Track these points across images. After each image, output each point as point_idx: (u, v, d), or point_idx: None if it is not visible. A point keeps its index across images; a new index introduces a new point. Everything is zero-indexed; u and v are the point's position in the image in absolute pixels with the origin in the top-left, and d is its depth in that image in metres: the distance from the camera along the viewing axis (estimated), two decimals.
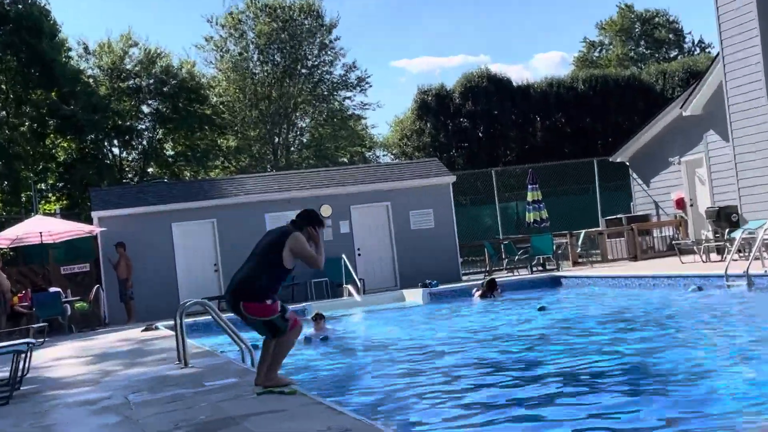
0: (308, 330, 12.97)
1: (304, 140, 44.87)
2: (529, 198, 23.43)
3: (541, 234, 22.36)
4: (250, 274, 7.15)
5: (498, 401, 7.10)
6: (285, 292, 20.31)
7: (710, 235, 19.06)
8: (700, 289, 14.26)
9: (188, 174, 40.98)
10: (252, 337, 13.87)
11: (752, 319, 10.77)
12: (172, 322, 10.31)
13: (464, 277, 22.34)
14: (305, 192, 21.39)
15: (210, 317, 12.01)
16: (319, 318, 13.03)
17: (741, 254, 16.75)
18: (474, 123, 40.60)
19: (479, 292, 17.40)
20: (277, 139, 42.85)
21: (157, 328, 15.85)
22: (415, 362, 9.91)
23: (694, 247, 18.28)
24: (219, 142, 42.89)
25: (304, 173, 23.40)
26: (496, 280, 17.81)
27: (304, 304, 18.25)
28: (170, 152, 41.71)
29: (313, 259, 7.41)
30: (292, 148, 44.60)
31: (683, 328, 10.66)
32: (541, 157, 37.42)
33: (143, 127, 40.42)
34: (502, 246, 23.14)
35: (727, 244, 17.02)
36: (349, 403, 7.55)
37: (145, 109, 40.22)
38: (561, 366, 8.51)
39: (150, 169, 40.84)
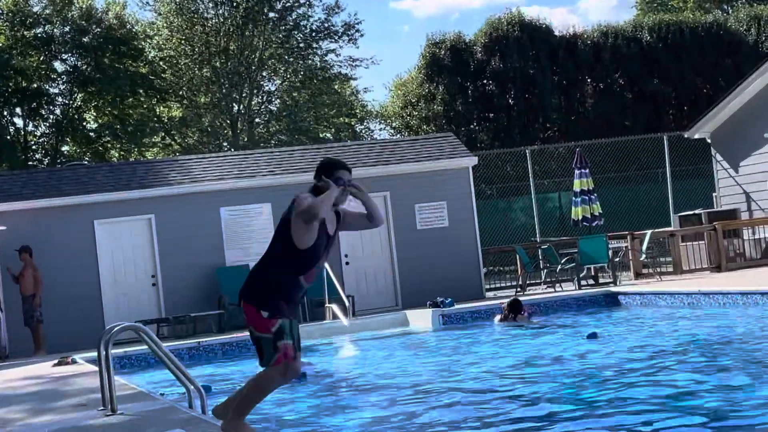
0: None
1: (274, 109, 44.87)
2: (577, 187, 23.45)
3: (593, 236, 22.37)
4: (258, 264, 7.11)
5: None
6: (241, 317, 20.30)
7: None
8: None
9: (117, 154, 40.99)
10: (206, 374, 13.93)
11: None
12: (94, 354, 10.26)
13: (489, 294, 22.36)
14: (274, 179, 21.38)
15: (146, 347, 12.00)
16: None
17: None
18: (502, 86, 40.61)
19: (500, 316, 17.49)
20: (236, 108, 42.85)
21: (74, 362, 15.81)
22: (418, 410, 9.94)
23: None
24: (158, 111, 42.86)
25: (273, 153, 23.40)
26: (521, 300, 17.88)
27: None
28: (92, 125, 41.67)
29: (317, 207, 6.84)
30: (257, 120, 44.58)
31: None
32: (593, 132, 37.44)
33: (56, 91, 40.40)
34: (539, 252, 23.14)
35: None
36: None
37: (59, 66, 40.21)
38: (610, 414, 8.53)
39: (65, 148, 40.85)
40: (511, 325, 17.00)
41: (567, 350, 13.59)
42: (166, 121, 43.34)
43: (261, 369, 7.06)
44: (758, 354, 11.50)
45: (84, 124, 41.29)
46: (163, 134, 43.24)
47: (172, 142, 43.44)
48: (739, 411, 8.39)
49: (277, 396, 11.79)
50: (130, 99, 39.96)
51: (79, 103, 40.44)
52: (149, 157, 40.59)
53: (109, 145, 40.87)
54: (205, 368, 15.07)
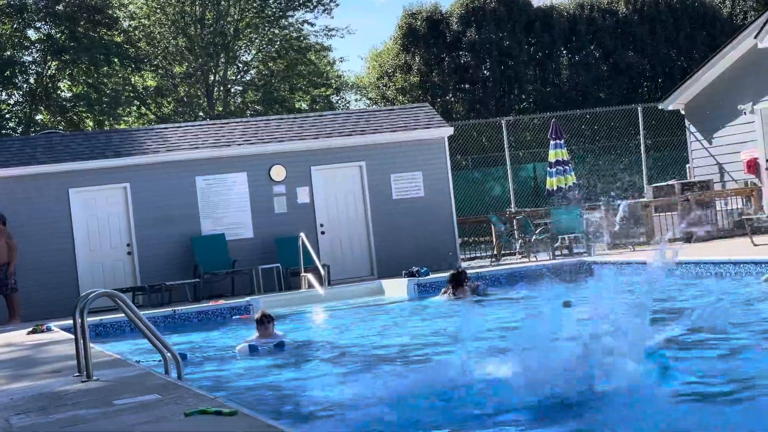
0: (252, 336, 12.98)
1: (249, 79, 44.69)
2: (552, 158, 23.50)
3: (567, 206, 22.44)
4: None
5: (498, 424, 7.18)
6: (224, 283, 20.34)
7: None
8: None
9: (91, 123, 40.71)
10: (182, 341, 13.94)
11: None
12: (69, 322, 10.23)
13: (464, 264, 22.41)
14: (250, 148, 21.32)
15: (121, 316, 11.98)
16: (266, 320, 12.97)
17: None
18: (478, 57, 40.56)
19: (448, 294, 16.79)
20: (212, 78, 42.64)
21: (49, 330, 15.77)
22: (394, 376, 9.96)
23: None
24: (133, 80, 42.57)
25: (248, 123, 23.32)
26: (467, 271, 17.12)
27: (248, 298, 18.26)
28: (67, 94, 41.36)
29: None
30: (233, 90, 44.40)
31: (750, 332, 10.74)
32: (568, 103, 37.49)
33: (29, 59, 40.04)
34: (514, 222, 23.21)
35: None
36: (308, 426, 7.55)
37: (32, 35, 39.83)
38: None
39: (39, 117, 40.53)
40: (454, 302, 16.36)
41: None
42: (141, 90, 43.08)
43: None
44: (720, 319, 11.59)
45: (58, 93, 40.99)
46: (138, 104, 42.97)
47: (148, 112, 43.20)
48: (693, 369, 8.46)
49: (254, 365, 11.82)
50: (105, 68, 39.65)
51: (53, 72, 40.13)
52: (124, 127, 40.35)
53: (84, 114, 40.57)
54: (180, 336, 15.06)
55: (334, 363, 11.73)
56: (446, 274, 19.32)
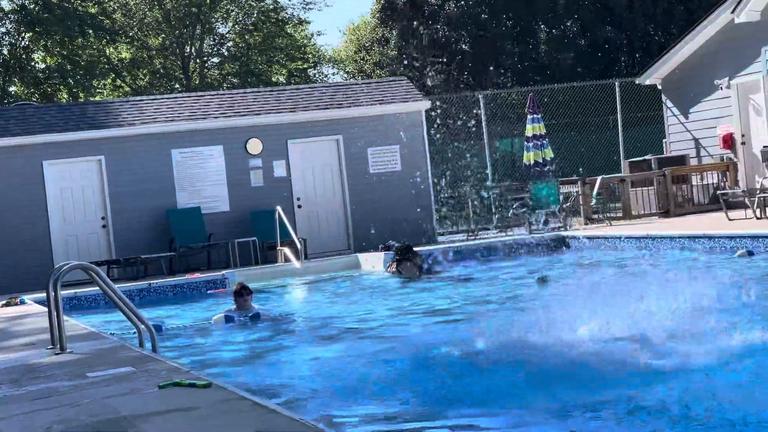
0: (229, 307, 12.98)
1: (226, 52, 44.45)
2: (529, 132, 23.50)
3: (544, 181, 22.48)
4: None
5: (463, 395, 7.28)
6: (199, 257, 20.29)
7: (767, 183, 19.30)
8: (750, 253, 14.47)
9: (66, 95, 40.44)
10: (156, 315, 13.91)
11: None
12: (43, 295, 10.20)
13: (441, 238, 22.45)
14: (226, 121, 21.24)
15: (95, 289, 11.94)
16: (244, 293, 12.96)
17: None
18: (456, 31, 40.48)
19: (391, 267, 16.36)
20: (188, 50, 42.39)
21: (23, 303, 15.72)
22: (368, 348, 10.02)
23: (746, 199, 18.52)
24: (108, 52, 42.26)
25: (224, 95, 23.23)
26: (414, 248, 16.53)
27: (224, 271, 18.23)
28: (40, 65, 41.03)
29: None
30: (209, 62, 44.17)
31: (723, 306, 10.79)
32: (546, 78, 37.47)
33: (2, 30, 39.68)
34: (491, 196, 23.23)
35: None
36: (283, 398, 7.59)
37: (6, 5, 39.47)
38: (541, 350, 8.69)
39: (12, 88, 40.20)
40: (400, 277, 16.01)
41: (514, 290, 13.71)
42: (116, 62, 42.79)
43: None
44: (690, 294, 11.67)
45: (32, 64, 40.65)
46: (113, 76, 42.69)
47: (123, 84, 42.95)
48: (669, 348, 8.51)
49: (229, 337, 11.82)
50: (80, 40, 39.33)
51: (26, 43, 39.79)
52: (99, 99, 40.10)
53: (58, 86, 40.27)
54: (155, 309, 15.03)
55: (309, 335, 11.75)
56: (428, 248, 19.38)
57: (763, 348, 8.21)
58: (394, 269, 16.07)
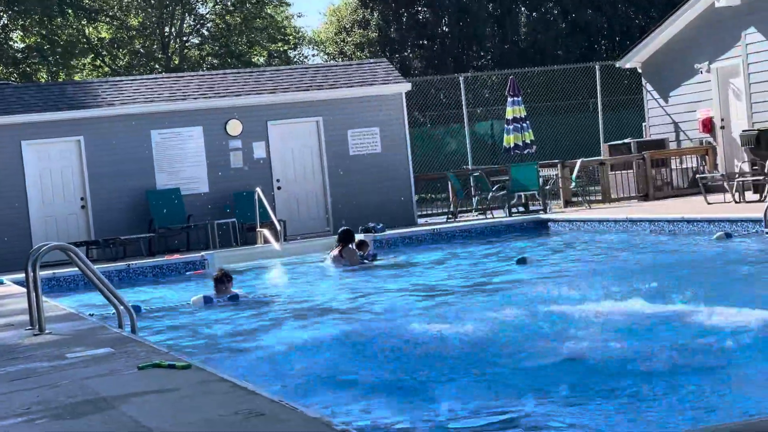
0: (209, 288, 12.98)
1: (206, 32, 44.26)
2: (509, 115, 23.53)
3: (524, 164, 22.51)
4: None
5: (442, 378, 7.35)
6: (179, 238, 20.25)
7: (746, 168, 19.38)
8: (728, 236, 14.56)
9: (45, 75, 40.20)
10: (135, 298, 13.87)
11: None
12: (22, 275, 10.16)
13: (421, 220, 22.47)
14: (206, 102, 21.16)
15: (74, 269, 11.90)
16: (225, 279, 12.95)
17: None
18: (437, 14, 40.41)
19: (334, 252, 15.91)
20: (168, 30, 42.18)
21: (1, 283, 15.66)
22: (348, 331, 10.05)
23: (725, 183, 18.61)
24: (88, 32, 42.01)
25: (204, 76, 23.14)
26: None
27: (203, 252, 18.19)
28: (19, 45, 40.75)
29: None
30: (189, 42, 43.98)
31: (699, 288, 10.87)
32: (526, 61, 37.51)
33: None
34: (471, 179, 23.25)
35: None
36: (262, 379, 7.62)
37: None
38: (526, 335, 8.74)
39: None
40: (340, 264, 15.62)
41: (499, 275, 13.75)
42: (96, 42, 42.55)
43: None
44: (667, 277, 11.76)
45: (10, 44, 40.37)
46: (93, 56, 42.46)
47: (103, 65, 42.72)
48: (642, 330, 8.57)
49: (209, 318, 11.82)
50: (59, 20, 39.09)
51: (5, 23, 39.50)
52: (79, 79, 39.89)
53: (37, 66, 40.03)
54: (134, 290, 14.99)
55: (287, 316, 11.77)
56: (407, 230, 19.43)
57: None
58: (336, 253, 15.71)
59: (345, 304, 12.20)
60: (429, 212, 24.40)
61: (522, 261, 14.52)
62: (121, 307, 9.41)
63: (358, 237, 16.75)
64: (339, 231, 16.29)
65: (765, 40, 19.90)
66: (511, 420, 6.27)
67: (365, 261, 15.83)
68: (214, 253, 18.05)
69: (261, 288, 14.95)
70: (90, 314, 11.10)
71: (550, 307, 10.43)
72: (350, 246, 15.72)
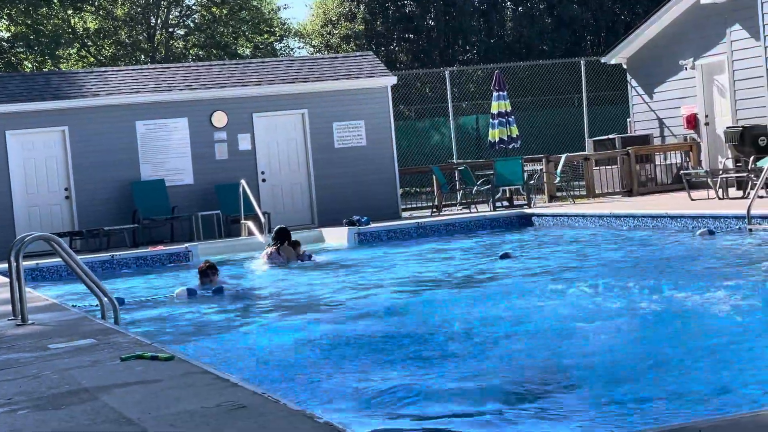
0: (192, 279, 12.96)
1: (192, 23, 44.14)
2: (494, 109, 23.55)
3: (509, 158, 22.53)
4: None
5: (425, 373, 7.39)
6: (163, 229, 20.21)
7: (730, 164, 19.44)
8: (711, 233, 14.61)
9: (30, 65, 40.03)
10: (119, 288, 13.85)
11: None
12: (4, 265, 10.13)
13: (405, 214, 22.48)
14: (191, 93, 21.10)
15: (58, 260, 11.86)
16: (210, 272, 12.94)
17: None
18: (423, 7, 40.38)
19: (269, 251, 15.64)
20: (154, 21, 42.03)
21: None
22: (330, 322, 10.07)
23: (708, 180, 18.67)
24: (73, 22, 41.83)
25: (190, 68, 23.08)
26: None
27: (187, 244, 18.18)
28: (4, 34, 40.57)
29: None
30: (175, 33, 43.85)
31: (679, 284, 10.92)
32: (512, 55, 37.54)
33: None
34: (456, 173, 23.27)
35: (752, 175, 17.42)
36: (245, 372, 7.63)
37: None
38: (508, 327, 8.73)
39: None
40: (276, 263, 15.42)
41: (482, 271, 13.76)
42: (81, 32, 42.36)
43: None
44: (650, 272, 11.81)
45: None
46: (78, 46, 42.27)
47: (88, 55, 42.54)
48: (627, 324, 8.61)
49: (192, 310, 11.80)
50: (44, 9, 38.91)
51: None
52: (64, 69, 39.72)
53: (22, 56, 39.85)
54: (121, 284, 14.96)
55: (271, 309, 11.76)
56: (392, 224, 19.45)
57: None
58: (273, 251, 15.41)
59: (329, 297, 12.20)
60: (413, 206, 24.40)
61: (505, 256, 14.54)
62: (105, 299, 9.40)
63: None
64: (275, 229, 16.06)
65: (750, 37, 19.96)
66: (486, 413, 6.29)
67: (301, 260, 15.63)
68: (198, 245, 18.03)
69: (245, 280, 14.93)
70: (73, 305, 11.07)
71: (533, 302, 10.47)
72: (286, 245, 15.52)
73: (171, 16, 43.02)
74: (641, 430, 5.69)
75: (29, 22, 38.94)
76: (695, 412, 5.83)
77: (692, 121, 22.11)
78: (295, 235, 19.50)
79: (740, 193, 17.99)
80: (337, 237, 18.89)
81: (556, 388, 6.75)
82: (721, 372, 6.81)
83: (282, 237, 15.69)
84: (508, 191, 22.29)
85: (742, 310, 8.95)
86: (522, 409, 6.31)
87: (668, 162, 22.49)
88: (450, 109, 27.34)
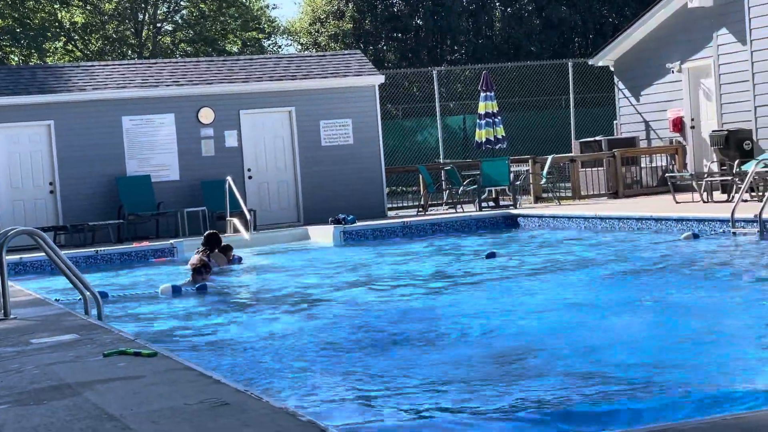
0: (186, 281, 12.95)
1: (180, 19, 44.06)
2: (481, 110, 23.57)
3: (495, 158, 22.55)
4: None
5: (409, 371, 7.37)
6: (148, 225, 20.16)
7: (715, 168, 19.50)
8: (695, 236, 14.65)
9: (16, 58, 39.90)
10: (103, 282, 13.81)
11: (760, 278, 11.11)
12: None
13: (391, 213, 22.48)
14: (178, 89, 21.06)
15: (41, 254, 11.81)
16: (204, 270, 12.90)
17: (753, 194, 17.20)
18: (411, 7, 40.40)
19: (199, 255, 14.50)
20: (141, 16, 41.93)
21: None
22: (314, 320, 10.09)
23: (693, 183, 18.72)
24: (60, 16, 41.72)
25: (177, 63, 23.02)
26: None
27: (172, 240, 18.14)
28: None
29: None
30: (163, 29, 43.76)
31: (658, 287, 10.96)
32: (500, 56, 37.59)
33: None
34: (442, 172, 23.27)
35: (736, 179, 17.47)
36: (228, 369, 7.63)
37: None
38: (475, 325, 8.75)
39: None
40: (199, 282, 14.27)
41: (469, 269, 13.77)
42: (68, 26, 42.25)
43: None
44: (631, 274, 11.84)
45: None
46: (65, 40, 42.14)
47: (75, 49, 42.43)
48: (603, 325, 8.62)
49: (176, 307, 11.78)
50: (30, 2, 38.79)
51: None
52: (50, 63, 39.59)
53: (8, 48, 39.71)
54: (105, 279, 14.91)
55: (255, 307, 11.76)
56: (377, 222, 19.44)
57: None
58: (203, 256, 14.40)
59: (313, 294, 12.20)
60: (399, 205, 24.41)
61: (491, 255, 14.56)
62: (88, 294, 9.37)
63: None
64: (205, 234, 15.65)
65: (736, 41, 20.02)
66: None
67: (231, 264, 15.36)
68: (183, 241, 18.00)
69: (230, 276, 14.91)
70: (56, 300, 11.04)
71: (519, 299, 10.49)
72: (217, 251, 15.14)
73: (159, 12, 42.93)
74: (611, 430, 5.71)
75: (16, 15, 38.81)
76: (662, 417, 5.85)
77: (678, 124, 22.18)
78: (279, 232, 19.56)
79: (725, 197, 18.04)
80: (322, 235, 18.89)
81: (535, 383, 6.76)
82: (690, 375, 6.84)
83: (212, 243, 15.10)
84: (494, 192, 22.31)
85: (719, 311, 9.00)
86: (499, 404, 6.31)
87: (654, 165, 22.55)
88: (437, 109, 27.36)
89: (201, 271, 12.86)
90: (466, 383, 6.97)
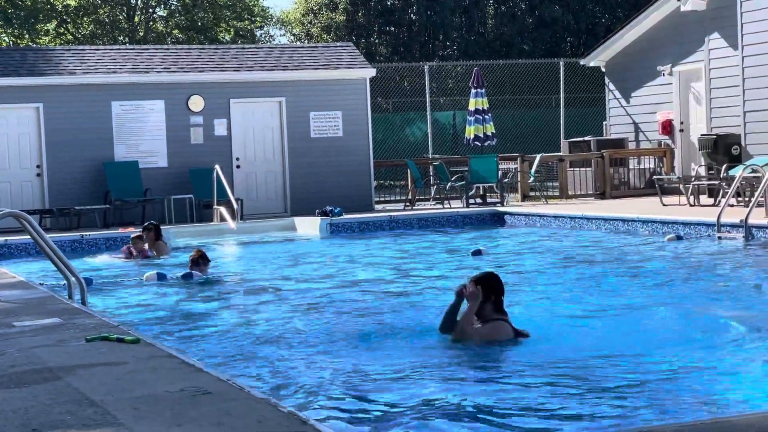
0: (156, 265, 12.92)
1: (172, 6, 43.95)
2: (471, 106, 23.58)
3: (484, 155, 22.57)
4: None
5: (395, 364, 7.36)
6: (134, 211, 20.12)
7: (702, 171, 19.55)
8: (679, 238, 14.71)
9: (7, 40, 39.76)
10: (89, 267, 13.78)
11: (743, 283, 11.16)
12: None
13: (378, 206, 22.48)
14: (169, 76, 21.01)
15: (26, 237, 11.78)
16: (201, 262, 12.87)
17: (740, 198, 17.26)
18: (405, 1, 40.38)
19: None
20: (134, 1, 41.81)
21: None
22: (296, 311, 10.10)
23: (681, 186, 18.77)
24: None
25: (169, 50, 22.97)
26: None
27: None
28: None
29: None
30: (155, 15, 43.64)
31: (634, 288, 11.00)
32: (492, 53, 37.63)
33: None
34: (431, 168, 23.28)
35: (723, 184, 17.53)
36: (209, 357, 7.64)
37: None
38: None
39: None
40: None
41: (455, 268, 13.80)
42: (60, 9, 42.09)
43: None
44: (607, 276, 11.90)
45: None
46: (56, 22, 41.99)
47: (66, 32, 42.27)
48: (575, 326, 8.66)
49: (161, 294, 11.77)
50: None
51: None
52: (41, 45, 39.43)
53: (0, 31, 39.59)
54: (91, 263, 14.88)
55: (240, 296, 11.76)
56: (364, 215, 19.45)
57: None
58: (145, 250, 14.77)
59: (298, 285, 12.20)
60: (387, 198, 24.41)
61: (477, 252, 14.58)
62: (72, 278, 9.35)
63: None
64: (146, 225, 15.62)
65: (728, 46, 20.07)
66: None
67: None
68: (170, 228, 17.96)
69: (215, 265, 14.90)
70: (40, 283, 11.02)
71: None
72: (160, 241, 15.23)
73: None
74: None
75: None
76: (642, 420, 5.88)
77: (667, 127, 22.24)
78: (266, 222, 19.55)
79: (711, 201, 18.10)
80: (309, 227, 18.89)
81: (515, 380, 6.78)
82: (672, 378, 6.86)
83: (155, 234, 15.20)
84: (481, 188, 22.34)
85: (699, 316, 9.04)
86: (481, 401, 6.33)
87: (642, 166, 22.61)
88: (428, 104, 27.35)
89: (198, 262, 12.84)
90: (446, 377, 6.98)
